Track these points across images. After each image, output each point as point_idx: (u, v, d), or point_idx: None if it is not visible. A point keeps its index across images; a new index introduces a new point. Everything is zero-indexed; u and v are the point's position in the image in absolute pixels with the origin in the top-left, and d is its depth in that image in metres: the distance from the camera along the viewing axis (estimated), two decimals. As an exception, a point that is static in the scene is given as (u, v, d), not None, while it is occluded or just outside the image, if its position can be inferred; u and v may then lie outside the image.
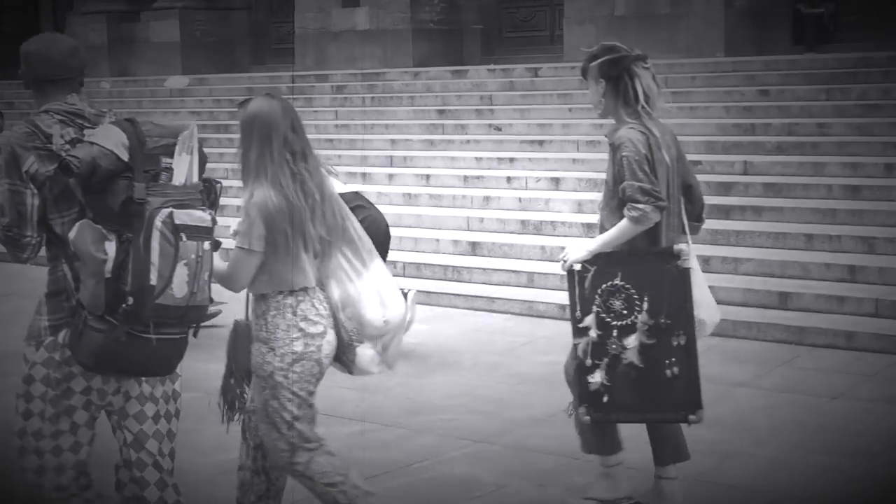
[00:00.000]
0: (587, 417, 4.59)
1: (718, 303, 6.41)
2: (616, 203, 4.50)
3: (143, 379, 3.79)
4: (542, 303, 8.49)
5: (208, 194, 3.88)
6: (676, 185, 4.56)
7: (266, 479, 4.35)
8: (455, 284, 9.22)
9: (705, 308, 4.62)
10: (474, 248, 9.76)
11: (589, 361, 4.51)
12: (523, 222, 10.00)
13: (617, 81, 4.47)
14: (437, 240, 10.01)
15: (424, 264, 9.57)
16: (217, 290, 8.76)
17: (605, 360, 4.47)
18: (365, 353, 4.10)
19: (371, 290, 4.07)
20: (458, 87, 14.05)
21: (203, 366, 7.39)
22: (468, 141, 12.30)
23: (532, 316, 8.39)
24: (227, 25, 20.47)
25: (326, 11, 17.69)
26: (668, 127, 4.63)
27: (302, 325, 3.98)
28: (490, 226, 10.19)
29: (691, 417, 4.56)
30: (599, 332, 4.46)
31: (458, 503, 4.99)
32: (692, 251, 4.54)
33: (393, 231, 10.57)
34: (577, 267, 4.45)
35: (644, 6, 14.70)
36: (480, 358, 7.32)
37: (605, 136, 4.68)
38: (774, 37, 14.92)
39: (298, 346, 3.98)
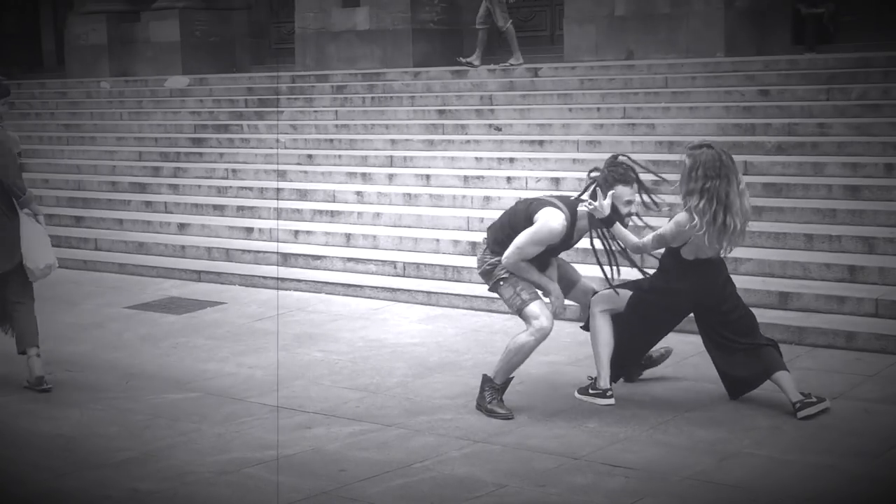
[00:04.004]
0: None
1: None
2: None
3: None
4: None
5: None
6: None
7: None
8: (455, 284, 9.21)
9: (31, 260, 6.87)
10: (474, 248, 9.74)
11: None
12: (523, 222, 10.00)
13: None
14: (437, 240, 10.01)
15: (424, 264, 9.56)
16: (216, 291, 8.80)
17: None
18: None
19: None
20: (458, 87, 14.04)
21: (203, 366, 7.43)
22: (468, 141, 12.30)
23: (532, 316, 8.38)
24: (227, 25, 20.45)
25: (326, 11, 17.69)
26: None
27: None
28: (490, 226, 10.19)
29: None
30: None
31: (458, 503, 4.99)
32: (25, 218, 6.88)
33: (393, 231, 10.62)
34: None
35: (644, 6, 14.68)
36: (480, 358, 7.32)
37: None
38: (774, 37, 14.92)
39: None
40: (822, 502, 4.96)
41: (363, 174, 12.08)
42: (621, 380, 6.57)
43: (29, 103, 18.10)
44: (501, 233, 6.30)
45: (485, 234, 6.55)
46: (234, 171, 13.00)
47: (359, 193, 11.52)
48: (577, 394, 6.43)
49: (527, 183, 10.83)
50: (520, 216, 6.25)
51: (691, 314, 6.44)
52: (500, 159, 11.56)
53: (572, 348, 7.43)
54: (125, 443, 5.87)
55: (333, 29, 17.60)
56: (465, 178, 11.31)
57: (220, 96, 16.04)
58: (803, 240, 8.72)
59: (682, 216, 5.99)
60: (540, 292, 6.28)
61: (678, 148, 10.99)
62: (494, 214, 10.28)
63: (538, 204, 6.22)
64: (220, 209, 11.94)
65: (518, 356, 6.21)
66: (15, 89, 18.93)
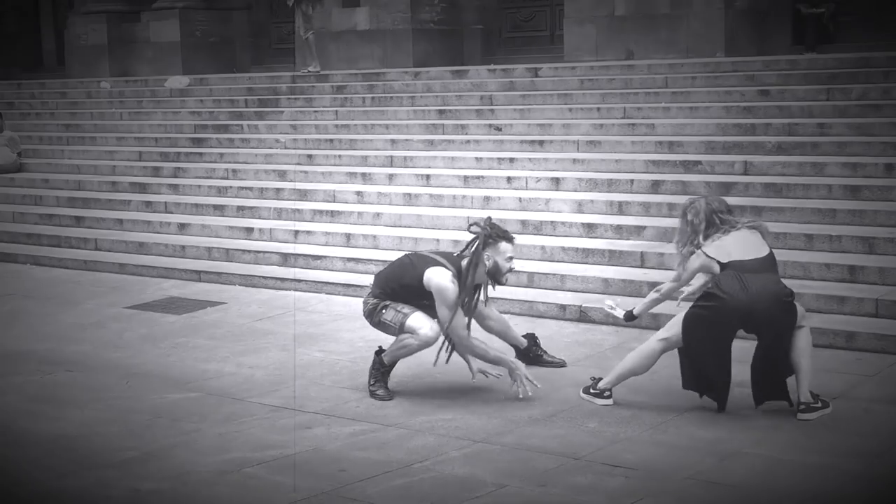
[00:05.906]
0: None
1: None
2: None
3: None
4: (542, 303, 8.48)
5: None
6: None
7: None
8: (455, 284, 9.21)
9: None
10: (474, 248, 9.75)
11: None
12: (523, 222, 9.98)
13: None
14: (437, 240, 10.00)
15: (424, 264, 9.56)
16: (216, 291, 8.81)
17: None
18: None
19: None
20: (458, 87, 14.05)
21: (203, 366, 7.43)
22: (468, 141, 12.30)
23: (532, 316, 8.38)
24: (227, 25, 20.48)
25: (326, 11, 17.70)
26: None
27: None
28: (490, 226, 10.19)
29: None
30: None
31: (458, 503, 4.99)
32: None
33: (393, 231, 10.62)
34: None
35: (644, 6, 14.70)
36: (480, 358, 7.32)
37: None
38: (774, 37, 14.95)
39: None
40: (822, 502, 4.96)
41: (363, 174, 12.09)
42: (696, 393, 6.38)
43: (29, 103, 18.11)
44: (387, 285, 6.58)
45: (371, 282, 6.83)
46: (234, 171, 13.00)
47: (359, 193, 11.52)
48: (581, 393, 6.44)
49: (527, 183, 10.83)
50: (408, 271, 6.52)
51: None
52: (500, 159, 11.56)
53: (572, 348, 7.44)
54: (126, 443, 5.87)
55: (333, 29, 17.62)
56: (465, 178, 11.31)
57: (220, 96, 16.05)
58: (803, 240, 8.72)
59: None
60: (421, 316, 6.46)
61: (678, 148, 11.01)
62: (494, 214, 10.31)
63: (423, 262, 6.49)
64: (220, 209, 11.94)
65: (401, 351, 6.56)
66: (15, 89, 19.05)
